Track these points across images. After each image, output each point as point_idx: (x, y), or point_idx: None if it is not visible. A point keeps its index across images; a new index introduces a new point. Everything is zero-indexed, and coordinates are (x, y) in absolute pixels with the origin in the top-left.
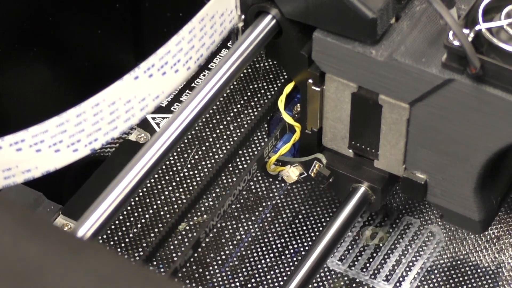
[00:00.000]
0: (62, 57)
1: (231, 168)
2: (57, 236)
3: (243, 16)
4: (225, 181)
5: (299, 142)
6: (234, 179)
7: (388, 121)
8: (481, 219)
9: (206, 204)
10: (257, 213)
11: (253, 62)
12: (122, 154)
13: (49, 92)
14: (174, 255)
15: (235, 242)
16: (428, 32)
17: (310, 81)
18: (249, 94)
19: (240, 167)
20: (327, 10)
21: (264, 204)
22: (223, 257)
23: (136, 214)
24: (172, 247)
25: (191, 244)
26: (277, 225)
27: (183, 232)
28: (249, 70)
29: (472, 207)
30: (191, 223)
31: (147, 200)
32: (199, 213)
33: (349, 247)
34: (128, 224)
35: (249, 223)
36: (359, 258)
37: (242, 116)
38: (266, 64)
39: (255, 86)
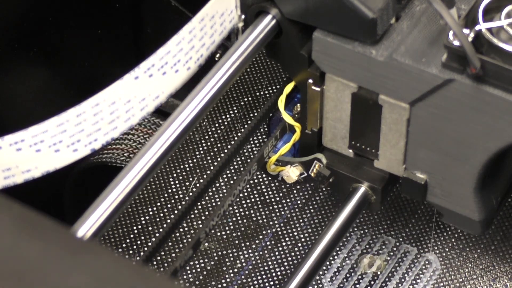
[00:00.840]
0: (62, 57)
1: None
2: (57, 236)
3: (243, 16)
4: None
5: (299, 142)
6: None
7: (388, 121)
8: (481, 219)
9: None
10: (257, 241)
11: (253, 90)
12: None
13: (49, 92)
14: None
15: (235, 270)
16: (428, 32)
17: (310, 81)
18: (249, 122)
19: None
20: (327, 10)
21: (264, 232)
22: (224, 285)
23: (139, 242)
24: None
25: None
26: (277, 253)
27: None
28: (250, 98)
29: (472, 207)
30: None
31: (149, 228)
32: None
33: (348, 275)
34: (131, 252)
35: (250, 251)
36: (357, 286)
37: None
38: (266, 92)
39: (256, 115)
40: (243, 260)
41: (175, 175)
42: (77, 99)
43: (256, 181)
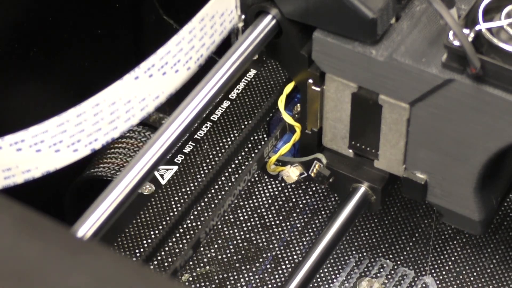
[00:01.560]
0: (62, 57)
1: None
2: (57, 236)
3: (243, 16)
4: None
5: (299, 142)
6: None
7: (388, 121)
8: (481, 219)
9: (209, 255)
10: (257, 264)
11: (254, 114)
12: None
13: (49, 92)
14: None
15: None
16: (428, 32)
17: (310, 81)
18: (249, 122)
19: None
20: (327, 10)
21: (264, 255)
22: None
23: None
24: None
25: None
26: (277, 276)
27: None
28: (250, 121)
29: (472, 207)
30: (194, 274)
31: (151, 251)
32: (202, 264)
33: None
34: None
35: (250, 274)
36: None
37: (242, 168)
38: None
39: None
40: (243, 283)
41: (176, 198)
42: (77, 99)
43: (256, 204)
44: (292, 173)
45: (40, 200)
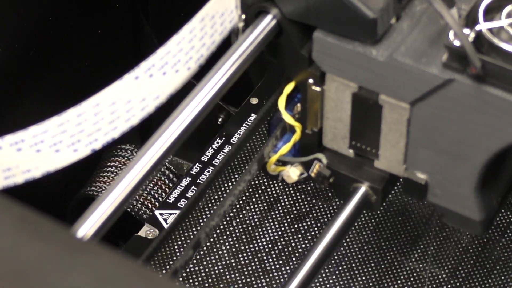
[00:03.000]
0: (62, 57)
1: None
2: (57, 236)
3: (243, 16)
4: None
5: (300, 142)
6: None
7: (389, 121)
8: (482, 219)
9: None
10: None
11: (255, 157)
12: (132, 250)
13: (49, 91)
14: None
15: None
16: (428, 32)
17: (311, 81)
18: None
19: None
20: (328, 10)
21: None
22: None
23: None
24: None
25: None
26: None
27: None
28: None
29: (473, 207)
30: None
31: None
32: None
33: None
34: None
35: None
36: None
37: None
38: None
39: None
40: None
41: (179, 242)
42: (77, 99)
43: (257, 248)
44: (292, 173)
45: (40, 200)
